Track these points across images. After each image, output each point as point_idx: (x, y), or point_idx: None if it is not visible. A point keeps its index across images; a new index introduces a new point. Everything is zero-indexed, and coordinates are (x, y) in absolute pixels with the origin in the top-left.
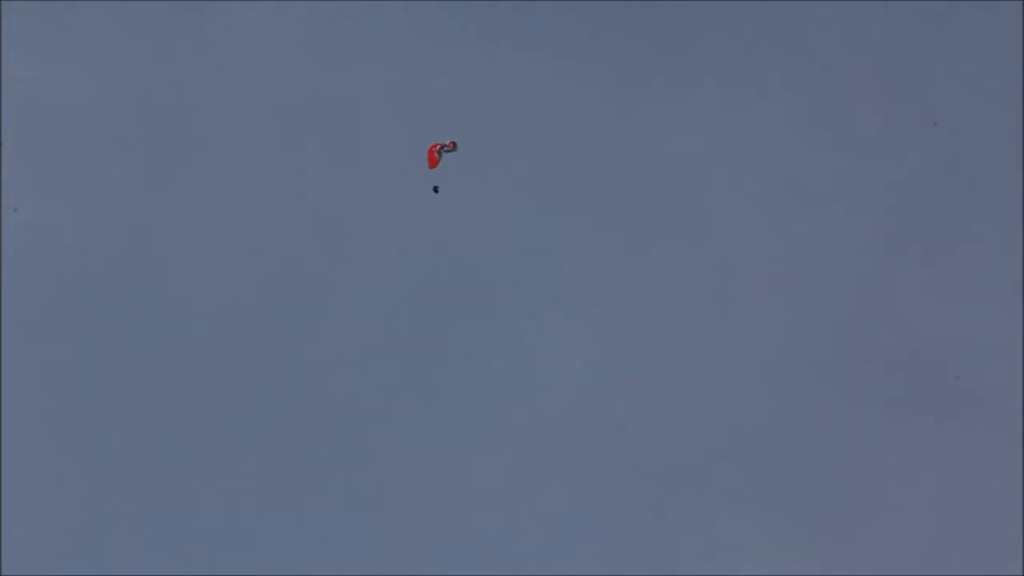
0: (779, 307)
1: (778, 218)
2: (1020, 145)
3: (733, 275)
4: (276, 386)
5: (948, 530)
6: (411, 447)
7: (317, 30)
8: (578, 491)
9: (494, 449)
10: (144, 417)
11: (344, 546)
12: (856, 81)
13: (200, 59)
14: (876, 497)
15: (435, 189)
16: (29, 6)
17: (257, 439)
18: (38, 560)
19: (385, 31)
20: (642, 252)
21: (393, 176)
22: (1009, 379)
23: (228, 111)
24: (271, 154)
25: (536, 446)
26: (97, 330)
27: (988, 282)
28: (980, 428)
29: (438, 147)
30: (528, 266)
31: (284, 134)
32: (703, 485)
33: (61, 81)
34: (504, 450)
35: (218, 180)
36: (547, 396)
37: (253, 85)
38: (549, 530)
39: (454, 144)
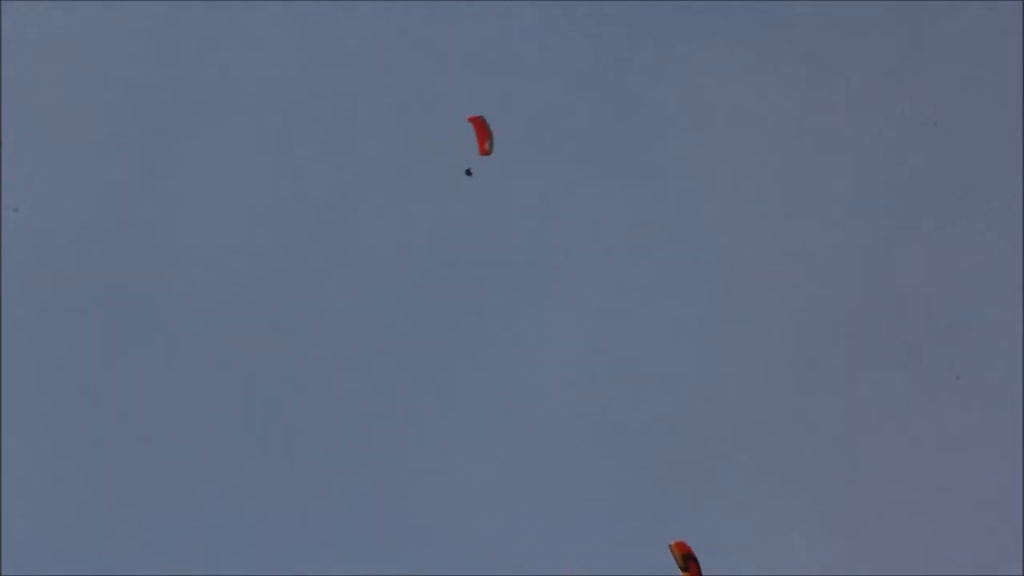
0: (778, 304)
1: (777, 216)
2: (1020, 143)
3: (732, 271)
4: (275, 382)
5: (949, 528)
6: (410, 443)
7: (317, 28)
8: (576, 486)
9: (493, 445)
10: (142, 414)
11: (343, 542)
12: (854, 80)
13: (199, 57)
14: (877, 492)
15: (468, 172)
16: (30, 4)
17: (256, 435)
18: (38, 560)
19: (383, 26)
20: (642, 249)
21: (391, 172)
22: (1009, 372)
23: (227, 108)
24: (269, 151)
25: (535, 442)
26: (96, 327)
27: (987, 275)
28: (982, 423)
29: (487, 139)
30: (527, 263)
31: (282, 132)
32: (702, 478)
33: (60, 78)
34: (503, 445)
35: (216, 177)
36: (546, 391)
37: (253, 83)
38: (548, 526)
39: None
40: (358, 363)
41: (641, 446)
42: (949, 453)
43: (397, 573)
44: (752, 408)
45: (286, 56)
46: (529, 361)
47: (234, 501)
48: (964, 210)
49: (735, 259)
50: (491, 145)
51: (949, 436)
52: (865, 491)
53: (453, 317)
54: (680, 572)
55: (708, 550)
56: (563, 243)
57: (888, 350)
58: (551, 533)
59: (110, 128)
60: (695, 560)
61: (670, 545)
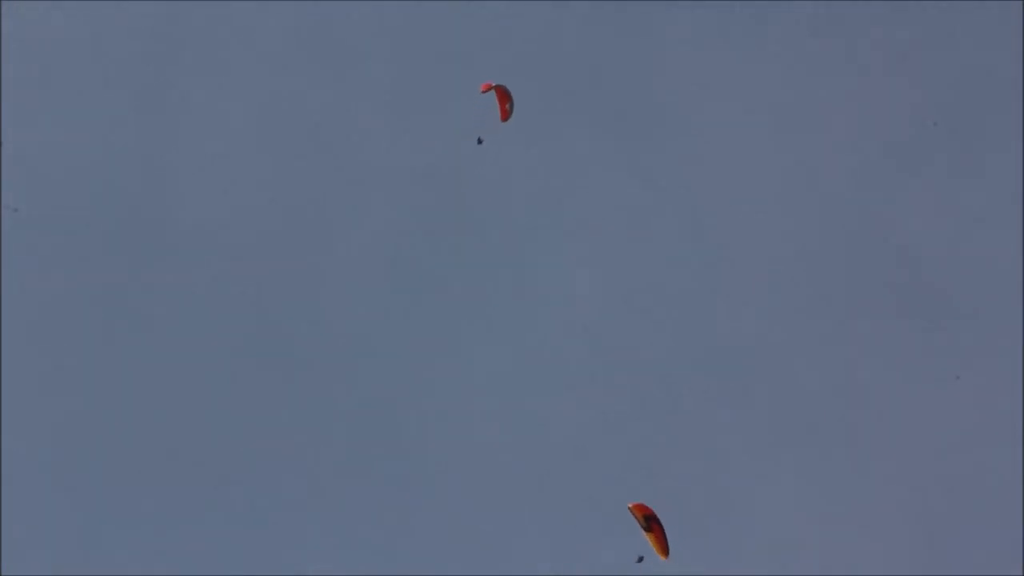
0: (778, 225)
1: (778, 137)
2: (1020, 141)
3: (732, 193)
4: (280, 311)
5: (944, 443)
6: (416, 370)
7: None
8: (580, 409)
9: (498, 370)
10: (145, 341)
11: (346, 470)
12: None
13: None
14: (874, 409)
15: (479, 141)
16: (30, 4)
17: (260, 364)
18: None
19: None
20: (643, 172)
21: (397, 99)
22: (1005, 296)
23: (227, 33)
24: (272, 75)
25: (540, 364)
26: (99, 255)
27: (988, 201)
28: (977, 343)
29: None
30: (529, 189)
31: (283, 55)
32: (703, 399)
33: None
34: (508, 369)
35: (218, 102)
36: (550, 315)
37: (252, 6)
38: (552, 446)
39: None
40: (362, 288)
41: (644, 362)
42: (945, 366)
43: (399, 500)
44: (753, 324)
45: None
46: (531, 281)
47: (235, 426)
48: (964, 131)
49: (735, 179)
50: (511, 108)
51: (945, 351)
52: (863, 403)
53: (457, 241)
54: (644, 533)
55: (710, 462)
56: (563, 166)
57: (886, 266)
58: (554, 449)
59: (108, 54)
60: (657, 520)
61: (629, 507)
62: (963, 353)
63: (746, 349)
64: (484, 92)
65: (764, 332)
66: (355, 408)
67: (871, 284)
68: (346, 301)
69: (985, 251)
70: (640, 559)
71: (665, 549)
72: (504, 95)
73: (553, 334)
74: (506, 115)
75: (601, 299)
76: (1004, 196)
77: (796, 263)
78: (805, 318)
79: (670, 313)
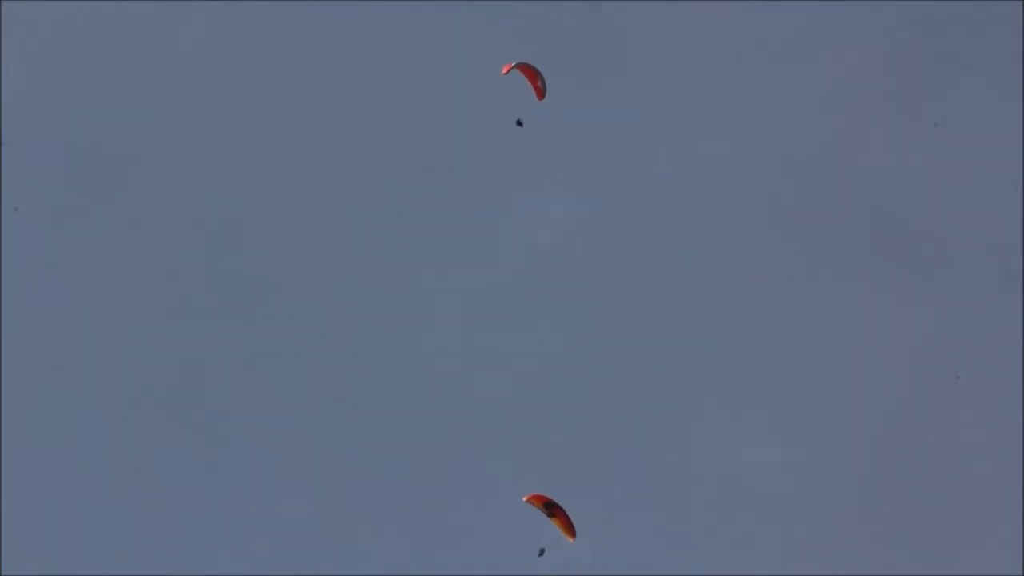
0: (749, 159)
1: (749, 68)
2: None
3: (703, 128)
4: (245, 249)
5: (918, 376)
6: (384, 308)
7: None
8: (554, 346)
9: (469, 307)
10: (105, 277)
11: (304, 406)
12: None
13: None
14: (848, 345)
15: (519, 123)
16: (30, 4)
17: (224, 300)
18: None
19: None
20: (611, 109)
21: (363, 32)
22: (976, 231)
23: None
24: (233, 6)
25: (510, 303)
26: (60, 188)
27: (963, 136)
28: (948, 279)
29: (538, 80)
30: (496, 129)
31: None
32: (676, 338)
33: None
34: (478, 308)
35: (177, 37)
36: (519, 254)
37: None
38: (525, 385)
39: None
40: (330, 224)
41: (616, 301)
42: (917, 302)
43: (360, 430)
44: (725, 261)
45: None
46: (500, 221)
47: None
48: (939, 65)
49: (706, 113)
50: (543, 85)
51: (917, 286)
52: (837, 340)
53: (424, 180)
54: (550, 520)
55: (685, 401)
56: (534, 119)
57: (858, 201)
58: (527, 388)
59: None
60: (556, 505)
61: (525, 500)
62: (937, 291)
63: (715, 288)
64: (506, 74)
65: (733, 271)
66: (316, 343)
67: (842, 222)
68: (307, 234)
69: (961, 189)
70: (541, 552)
71: (572, 531)
72: (531, 73)
73: (518, 270)
74: (541, 93)
75: (567, 235)
76: (978, 132)
77: (768, 200)
78: (775, 257)
79: (638, 250)
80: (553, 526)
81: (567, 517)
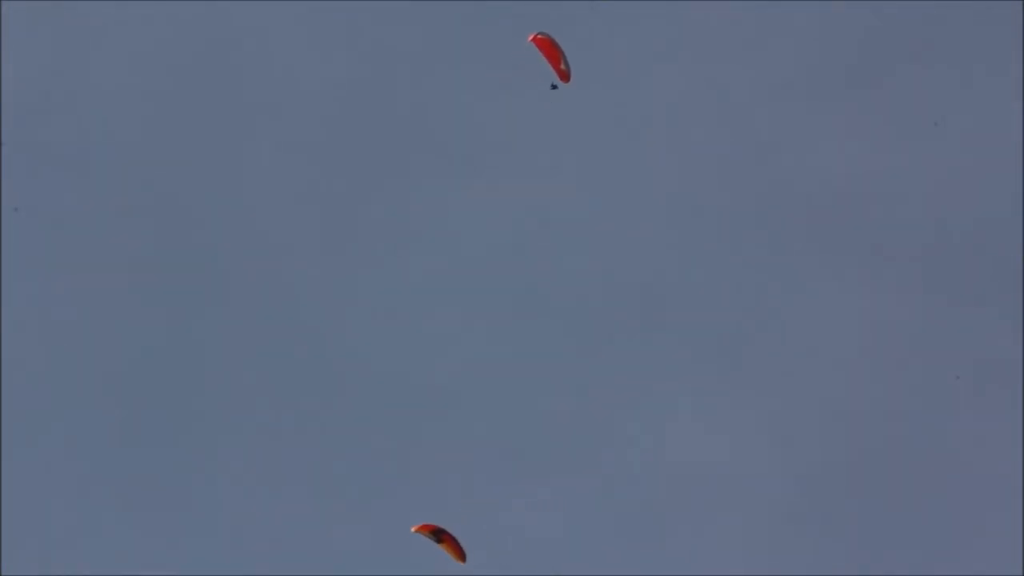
0: (687, 150)
1: (686, 60)
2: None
3: (642, 118)
4: (192, 229)
5: (858, 365)
6: (340, 298)
7: None
8: (505, 338)
9: (422, 297)
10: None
11: (266, 395)
12: None
13: None
14: (783, 332)
15: (553, 86)
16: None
17: (176, 291)
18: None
19: None
20: (547, 104)
21: (321, 21)
22: (916, 219)
23: None
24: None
25: (453, 293)
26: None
27: (901, 126)
28: (887, 268)
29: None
30: (438, 120)
31: None
32: (628, 330)
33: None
34: (422, 297)
35: (117, 21)
36: (474, 244)
37: None
38: (479, 376)
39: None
40: (275, 216)
41: (556, 291)
42: (855, 290)
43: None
44: (665, 250)
45: None
46: (441, 211)
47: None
48: (876, 53)
49: (645, 103)
50: (567, 66)
51: (856, 274)
52: (773, 328)
53: (366, 170)
54: (438, 546)
55: (623, 388)
56: (485, 108)
57: (796, 191)
58: (469, 376)
59: None
60: (443, 530)
61: (414, 531)
62: (869, 276)
63: (656, 277)
64: (531, 41)
65: (673, 261)
66: (270, 334)
67: (781, 211)
68: (263, 225)
69: (897, 181)
70: (554, 87)
71: (461, 555)
72: (552, 51)
73: (472, 261)
74: (565, 76)
75: (513, 224)
76: (915, 122)
77: (711, 190)
78: (716, 247)
79: (591, 241)
80: (442, 551)
81: (455, 542)
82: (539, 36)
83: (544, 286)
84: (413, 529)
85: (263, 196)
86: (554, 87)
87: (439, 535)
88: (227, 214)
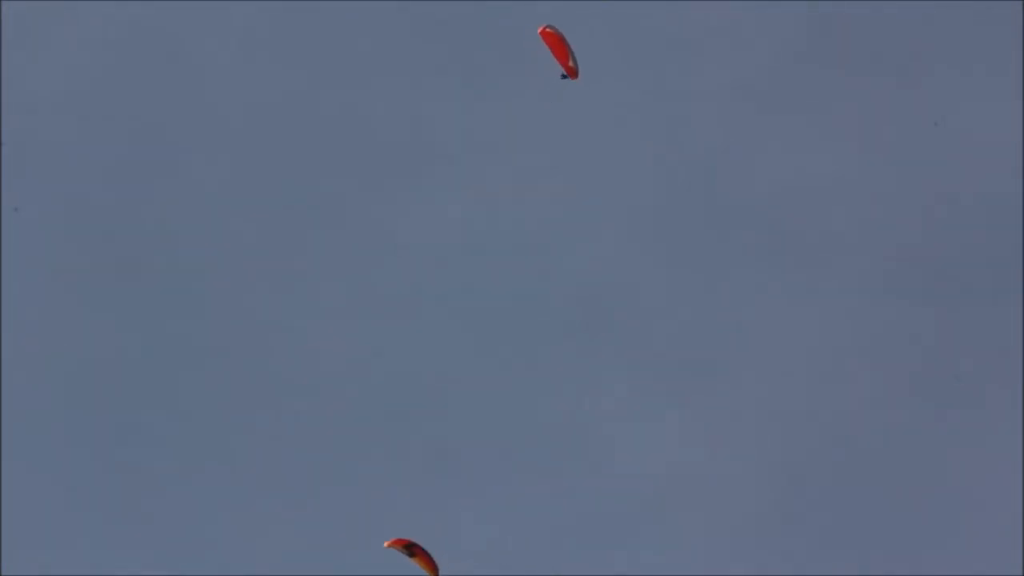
0: (637, 157)
1: (639, 67)
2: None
3: (592, 126)
4: (135, 238)
5: (806, 373)
6: (273, 309)
7: None
8: (445, 346)
9: (359, 308)
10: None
11: (198, 404)
12: None
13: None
14: (735, 344)
15: (563, 76)
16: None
17: (111, 298)
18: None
19: None
20: (500, 110)
21: (255, 30)
22: (862, 228)
23: None
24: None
25: (400, 305)
26: None
27: (849, 137)
28: (835, 276)
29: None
30: (389, 128)
31: None
32: (565, 338)
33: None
34: (369, 309)
35: (68, 33)
36: (410, 254)
37: None
38: (417, 387)
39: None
40: (220, 220)
41: (507, 302)
42: (804, 301)
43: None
44: (615, 261)
45: None
46: (389, 220)
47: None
48: (827, 63)
49: (596, 111)
50: (575, 63)
51: (805, 284)
52: (725, 340)
53: (316, 177)
54: (411, 560)
55: (575, 399)
56: (429, 117)
57: (746, 201)
58: (415, 385)
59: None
60: (415, 544)
61: (386, 546)
62: (822, 287)
63: (608, 288)
64: (540, 34)
65: (626, 271)
66: (203, 343)
67: (734, 222)
68: (199, 234)
69: (854, 187)
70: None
71: (434, 568)
72: (563, 52)
73: (409, 270)
74: (574, 73)
75: (460, 233)
76: (870, 134)
77: (664, 200)
78: (668, 257)
79: (532, 250)
80: (415, 565)
81: (428, 556)
82: (547, 29)
83: (500, 295)
84: (386, 544)
85: (193, 205)
86: (564, 77)
87: (411, 549)
88: (192, 218)
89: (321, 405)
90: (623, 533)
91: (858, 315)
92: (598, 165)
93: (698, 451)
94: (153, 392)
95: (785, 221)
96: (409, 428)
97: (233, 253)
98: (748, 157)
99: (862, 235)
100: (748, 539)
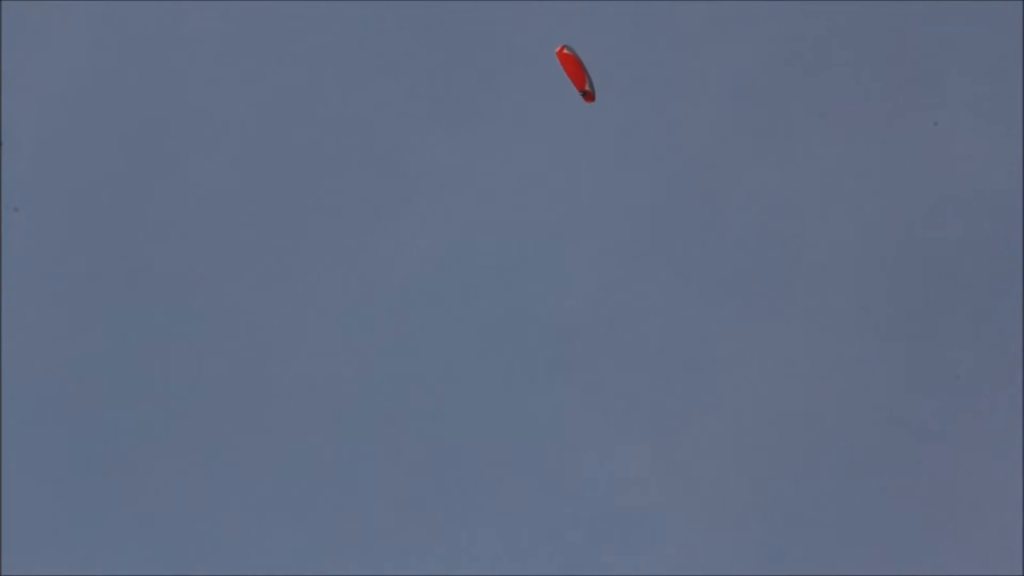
0: (616, 186)
1: (619, 91)
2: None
3: (570, 151)
4: (123, 247)
5: (789, 407)
6: (255, 328)
7: None
8: (421, 374)
9: (338, 329)
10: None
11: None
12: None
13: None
14: (718, 376)
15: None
16: (30, 4)
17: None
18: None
19: None
20: (477, 135)
21: (236, 41)
22: (845, 262)
23: None
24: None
25: (372, 334)
26: None
27: (832, 165)
28: (821, 304)
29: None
30: (365, 153)
31: None
32: (540, 368)
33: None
34: (341, 338)
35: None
36: (384, 283)
37: None
38: (398, 409)
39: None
40: (196, 248)
41: (482, 331)
42: (785, 335)
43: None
44: (592, 291)
45: None
46: (365, 245)
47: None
48: (812, 94)
49: (573, 135)
50: (591, 85)
51: (786, 318)
52: (707, 372)
53: (288, 203)
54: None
55: (548, 433)
56: (396, 129)
57: (729, 230)
58: (395, 428)
59: None
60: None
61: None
62: (806, 315)
63: (586, 319)
64: (557, 54)
65: (605, 302)
66: (185, 361)
67: (714, 251)
68: (180, 250)
69: (830, 219)
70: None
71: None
72: (580, 76)
73: (383, 297)
74: (591, 97)
75: (435, 262)
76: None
77: (641, 228)
78: (648, 288)
79: (506, 280)
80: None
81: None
82: (565, 51)
83: (475, 323)
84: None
85: (174, 219)
86: (583, 92)
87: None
88: (143, 239)
89: (296, 431)
90: (595, 564)
91: (842, 344)
92: (577, 192)
93: (674, 483)
94: (153, 392)
95: (765, 250)
96: (378, 463)
97: (206, 270)
98: (728, 185)
99: (845, 261)
100: (729, 570)
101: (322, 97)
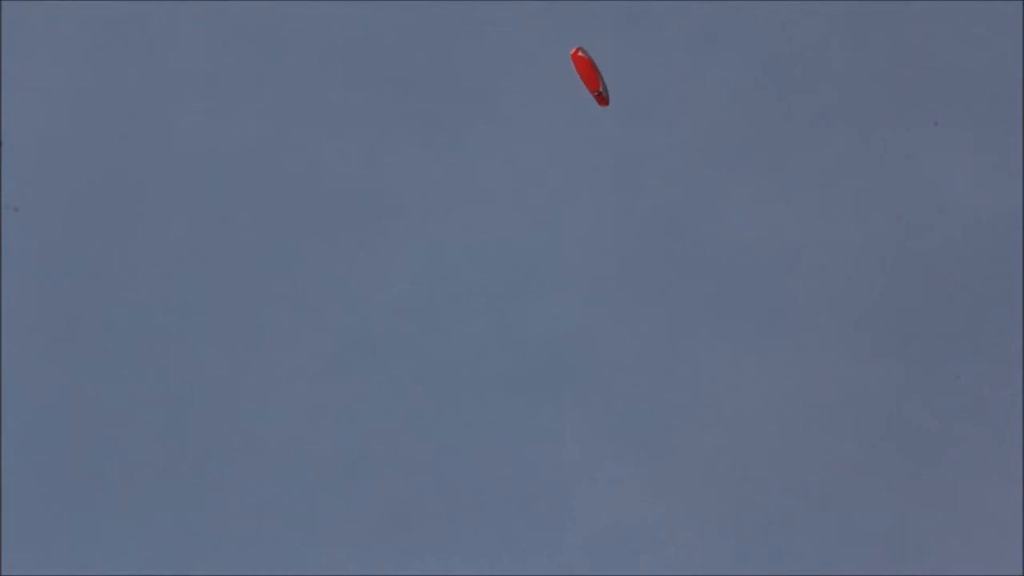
0: (599, 211)
1: (602, 118)
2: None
3: (554, 177)
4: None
5: (775, 429)
6: (232, 361)
7: None
8: (404, 402)
9: (317, 360)
10: None
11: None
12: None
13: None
14: (701, 406)
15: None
16: (30, 4)
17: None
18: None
19: None
20: (458, 160)
21: (217, 80)
22: (839, 274)
23: None
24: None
25: (354, 361)
26: None
27: (819, 187)
28: (803, 329)
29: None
30: (345, 179)
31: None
32: (524, 393)
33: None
34: (324, 367)
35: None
36: (365, 309)
37: None
38: (376, 442)
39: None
40: (171, 285)
41: (464, 359)
42: (771, 363)
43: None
44: (575, 316)
45: None
46: (348, 278)
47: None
48: (793, 114)
49: (554, 162)
50: (605, 90)
51: (770, 347)
52: (690, 401)
53: (265, 230)
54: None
55: (531, 477)
56: (385, 166)
57: (711, 255)
58: (375, 461)
59: None
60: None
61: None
62: (789, 340)
63: (568, 342)
64: (572, 57)
65: (587, 324)
66: (161, 399)
67: (699, 275)
68: (155, 288)
69: (822, 249)
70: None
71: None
72: (594, 80)
73: (365, 323)
74: (605, 101)
75: (417, 288)
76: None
77: (625, 253)
78: (631, 311)
79: (492, 304)
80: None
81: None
82: (580, 53)
83: (443, 351)
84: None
85: (150, 255)
86: (597, 93)
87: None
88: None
89: (276, 463)
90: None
91: (826, 370)
92: (560, 217)
93: (659, 507)
94: (153, 392)
95: (750, 275)
96: (365, 485)
97: (182, 306)
98: (712, 210)
99: (829, 289)
100: None
101: (322, 97)
